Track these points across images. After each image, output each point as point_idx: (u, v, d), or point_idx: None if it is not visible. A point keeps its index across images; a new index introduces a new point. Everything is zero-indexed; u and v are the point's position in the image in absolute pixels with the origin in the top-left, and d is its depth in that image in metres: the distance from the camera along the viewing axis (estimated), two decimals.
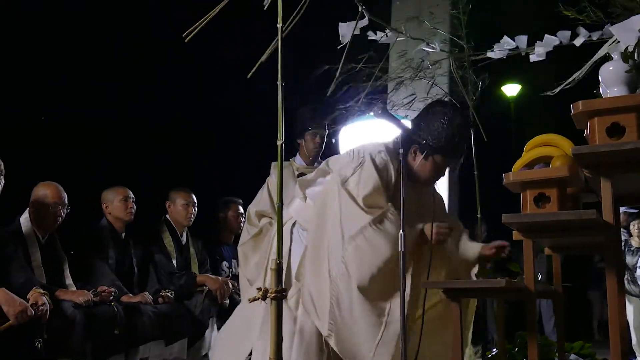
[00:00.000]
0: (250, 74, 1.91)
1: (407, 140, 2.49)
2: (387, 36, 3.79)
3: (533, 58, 3.38)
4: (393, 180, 2.58)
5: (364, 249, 2.45)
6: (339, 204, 2.52)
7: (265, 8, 1.99)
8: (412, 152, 2.61)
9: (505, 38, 3.68)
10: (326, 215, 2.57)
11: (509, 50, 3.61)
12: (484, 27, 4.70)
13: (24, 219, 3.64)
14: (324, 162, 2.87)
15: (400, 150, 2.50)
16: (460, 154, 2.66)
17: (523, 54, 3.69)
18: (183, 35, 2.03)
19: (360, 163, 2.59)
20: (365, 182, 2.54)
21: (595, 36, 2.94)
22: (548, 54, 3.58)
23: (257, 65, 1.91)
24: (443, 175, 2.68)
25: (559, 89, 3.04)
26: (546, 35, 3.36)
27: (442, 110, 2.56)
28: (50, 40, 7.83)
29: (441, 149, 2.55)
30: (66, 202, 3.76)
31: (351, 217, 2.50)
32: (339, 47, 3.42)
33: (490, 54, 3.69)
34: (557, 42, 3.33)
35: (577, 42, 3.04)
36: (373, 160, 2.57)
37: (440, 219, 2.66)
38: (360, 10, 3.00)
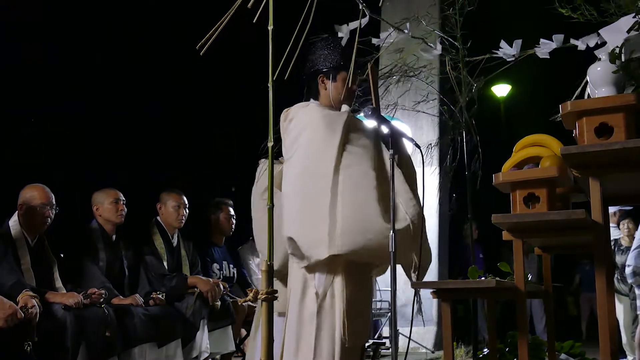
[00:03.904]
0: (270, 80, 1.90)
1: (312, 74, 2.80)
2: (391, 35, 3.79)
3: (540, 54, 3.40)
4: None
5: (353, 183, 2.53)
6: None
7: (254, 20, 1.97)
8: (321, 81, 2.80)
9: (503, 43, 3.70)
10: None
11: (511, 55, 3.62)
12: (475, 27, 4.72)
13: (13, 222, 3.63)
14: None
15: (390, 152, 2.51)
16: (354, 64, 2.86)
17: (516, 57, 3.70)
18: (197, 47, 2.01)
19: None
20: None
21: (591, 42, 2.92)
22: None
23: (272, 80, 1.89)
24: (355, 92, 2.86)
25: (574, 96, 3.03)
26: (542, 40, 3.38)
27: (324, 42, 2.87)
28: (39, 42, 7.79)
29: (340, 66, 2.78)
30: (54, 202, 3.75)
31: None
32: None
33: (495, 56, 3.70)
34: (554, 46, 3.34)
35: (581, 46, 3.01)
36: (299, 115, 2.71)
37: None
38: (360, 8, 3.00)
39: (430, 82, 5.25)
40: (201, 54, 2.04)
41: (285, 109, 2.79)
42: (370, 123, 2.76)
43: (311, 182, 2.56)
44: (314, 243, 2.48)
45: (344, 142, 2.57)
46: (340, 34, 3.27)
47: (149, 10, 8.97)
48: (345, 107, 2.77)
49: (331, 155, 2.54)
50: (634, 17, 2.22)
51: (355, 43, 2.59)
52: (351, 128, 2.63)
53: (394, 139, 2.57)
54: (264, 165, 3.11)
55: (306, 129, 2.65)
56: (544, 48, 3.33)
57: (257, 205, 3.07)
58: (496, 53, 3.69)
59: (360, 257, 2.52)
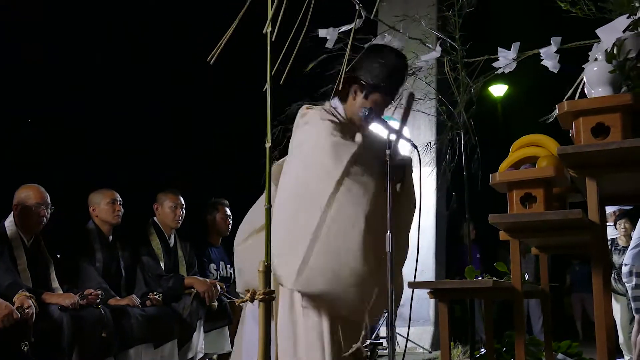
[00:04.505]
0: (265, 86, 1.89)
1: (351, 78, 2.61)
2: (386, 36, 3.78)
3: (553, 69, 3.39)
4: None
5: (345, 210, 2.40)
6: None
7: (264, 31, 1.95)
8: (353, 91, 2.64)
9: (500, 50, 3.71)
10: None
11: (510, 58, 3.62)
12: (474, 27, 4.72)
13: (9, 223, 3.63)
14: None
15: (388, 152, 2.49)
16: (395, 92, 2.72)
17: (515, 61, 3.71)
18: (208, 59, 2.00)
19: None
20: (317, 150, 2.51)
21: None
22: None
23: (267, 84, 1.88)
24: (381, 114, 2.68)
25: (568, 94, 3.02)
26: (542, 50, 3.37)
27: (379, 53, 2.67)
28: (39, 42, 7.78)
29: (379, 88, 2.60)
30: (49, 202, 3.75)
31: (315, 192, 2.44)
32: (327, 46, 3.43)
33: (495, 64, 3.71)
34: (554, 49, 3.34)
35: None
36: (308, 122, 2.58)
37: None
38: (357, 9, 2.98)
39: (429, 82, 5.26)
40: (211, 63, 2.03)
41: (306, 106, 2.67)
42: (375, 131, 2.69)
43: (302, 204, 2.45)
44: (283, 266, 2.41)
45: (345, 176, 2.42)
46: (326, 36, 3.25)
47: (149, 10, 8.97)
48: (358, 137, 2.56)
49: (327, 188, 2.41)
50: (628, 17, 2.22)
51: (349, 45, 2.56)
52: (357, 161, 2.46)
53: (399, 163, 2.51)
54: (276, 166, 2.83)
55: (311, 144, 2.53)
56: (549, 58, 3.32)
57: (239, 255, 2.82)
58: (495, 58, 3.70)
59: (323, 302, 2.42)
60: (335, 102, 2.70)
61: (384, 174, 2.45)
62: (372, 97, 2.62)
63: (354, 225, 2.36)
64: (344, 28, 3.29)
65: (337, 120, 2.59)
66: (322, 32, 3.32)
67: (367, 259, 2.34)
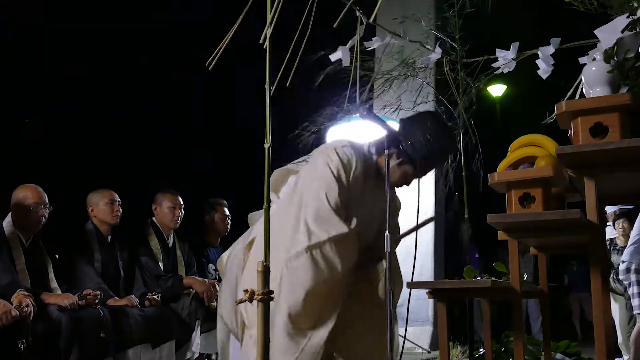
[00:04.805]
0: (272, 90, 1.88)
1: (393, 140, 2.42)
2: (386, 39, 3.80)
3: (543, 74, 3.38)
4: (356, 179, 2.46)
5: (295, 275, 2.31)
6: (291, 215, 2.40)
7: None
8: (389, 154, 2.40)
9: (499, 51, 3.71)
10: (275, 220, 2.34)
11: (509, 59, 3.63)
12: (473, 27, 4.73)
13: (7, 223, 3.62)
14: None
15: (386, 152, 2.47)
16: (428, 172, 2.57)
17: (514, 61, 3.72)
18: (206, 64, 1.99)
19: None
20: (315, 195, 2.38)
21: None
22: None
23: (273, 86, 1.87)
24: (408, 185, 2.54)
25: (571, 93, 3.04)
26: (539, 50, 3.37)
27: (431, 126, 2.47)
28: (39, 42, 7.78)
29: (414, 163, 2.46)
30: (47, 201, 3.74)
31: (293, 236, 2.34)
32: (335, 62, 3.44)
33: (493, 64, 3.73)
34: (552, 52, 3.34)
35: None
36: (328, 165, 2.43)
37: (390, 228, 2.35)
38: (358, 15, 2.98)
39: (428, 82, 5.26)
40: (210, 69, 2.02)
41: (343, 145, 2.49)
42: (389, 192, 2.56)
43: (278, 248, 2.31)
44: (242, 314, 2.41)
45: (318, 248, 2.29)
46: (340, 57, 3.25)
47: (149, 10, 8.98)
48: (354, 222, 2.40)
49: (297, 247, 2.30)
50: (627, 17, 2.22)
51: (356, 49, 2.55)
52: (340, 243, 2.31)
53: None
54: (278, 172, 2.69)
55: (309, 196, 2.37)
56: (544, 62, 3.33)
57: (228, 273, 2.67)
58: (495, 58, 3.71)
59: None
60: (374, 149, 2.55)
61: (365, 266, 2.42)
62: (404, 167, 2.46)
63: (292, 295, 2.28)
64: (349, 44, 3.29)
65: (349, 183, 2.42)
66: (333, 56, 3.33)
67: (290, 332, 2.29)
